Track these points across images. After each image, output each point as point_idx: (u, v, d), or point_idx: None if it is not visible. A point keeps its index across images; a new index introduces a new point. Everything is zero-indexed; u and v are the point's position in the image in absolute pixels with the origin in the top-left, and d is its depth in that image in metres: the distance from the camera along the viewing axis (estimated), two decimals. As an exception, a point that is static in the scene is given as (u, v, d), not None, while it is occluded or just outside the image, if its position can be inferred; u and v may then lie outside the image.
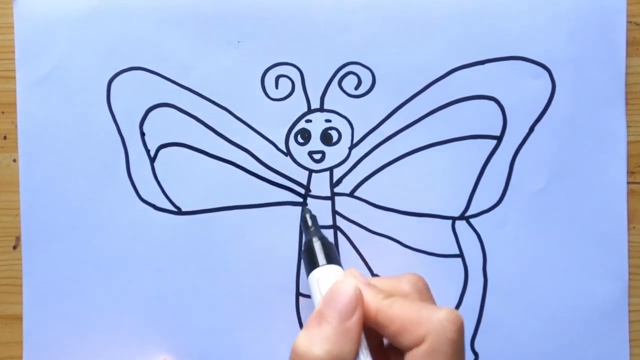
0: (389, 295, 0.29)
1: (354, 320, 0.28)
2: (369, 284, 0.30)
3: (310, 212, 0.37)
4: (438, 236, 0.39)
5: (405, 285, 0.30)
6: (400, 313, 0.28)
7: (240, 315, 0.39)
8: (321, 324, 0.28)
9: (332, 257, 0.33)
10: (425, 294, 0.30)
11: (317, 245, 0.33)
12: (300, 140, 0.39)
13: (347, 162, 0.39)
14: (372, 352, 0.29)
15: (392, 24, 0.39)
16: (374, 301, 0.29)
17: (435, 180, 0.39)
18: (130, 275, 0.39)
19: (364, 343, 0.29)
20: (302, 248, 0.34)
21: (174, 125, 0.39)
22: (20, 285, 0.39)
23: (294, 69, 0.39)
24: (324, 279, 0.31)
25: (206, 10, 0.39)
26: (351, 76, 0.39)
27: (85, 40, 0.39)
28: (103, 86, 0.39)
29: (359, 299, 0.29)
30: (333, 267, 0.32)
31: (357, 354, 0.28)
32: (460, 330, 0.27)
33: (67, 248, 0.39)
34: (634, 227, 0.39)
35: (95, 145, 0.39)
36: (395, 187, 0.39)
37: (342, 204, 0.39)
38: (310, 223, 0.36)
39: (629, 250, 0.39)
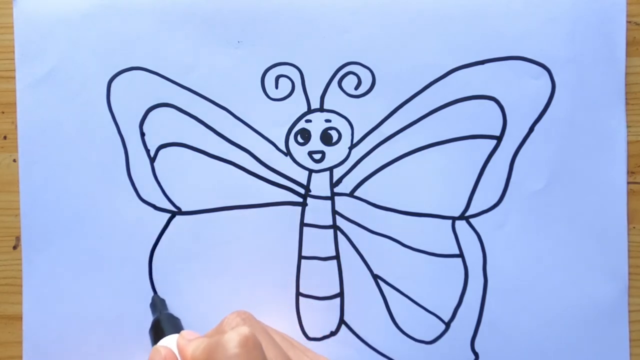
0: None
1: None
2: (197, 338, 0.31)
3: (158, 296, 0.39)
4: (438, 236, 0.39)
5: (225, 326, 0.32)
6: (204, 351, 0.29)
7: (240, 315, 0.39)
8: None
9: (176, 327, 0.36)
10: (243, 325, 0.32)
11: (162, 319, 0.36)
12: (300, 140, 0.39)
13: (347, 162, 0.39)
14: None
15: (392, 24, 0.39)
16: (192, 350, 0.30)
17: (435, 180, 0.39)
18: (130, 275, 0.39)
19: None
20: (150, 326, 0.37)
21: (174, 125, 0.39)
22: (20, 285, 0.39)
23: (294, 69, 0.39)
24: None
25: (206, 10, 0.39)
26: (351, 76, 0.39)
27: (85, 40, 0.39)
28: (103, 86, 0.39)
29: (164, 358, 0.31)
30: (172, 337, 0.34)
31: None
32: (243, 343, 0.28)
33: (67, 248, 0.39)
34: (634, 227, 0.39)
35: (95, 145, 0.39)
36: (395, 187, 0.39)
37: (342, 204, 0.39)
38: (158, 304, 0.38)
39: (629, 250, 0.39)
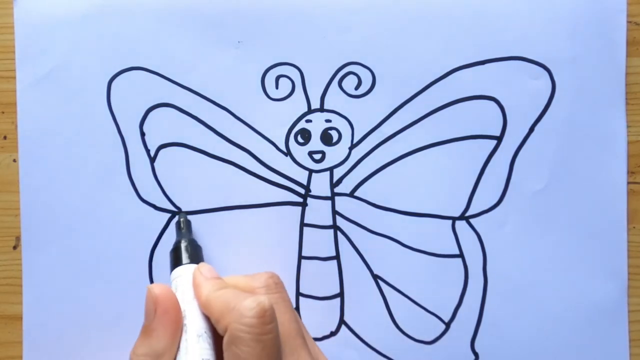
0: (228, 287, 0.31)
1: (158, 319, 0.30)
2: (214, 279, 0.32)
3: (185, 217, 0.38)
4: (438, 236, 0.39)
5: (256, 282, 0.32)
6: (219, 302, 0.30)
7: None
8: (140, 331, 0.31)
9: (196, 257, 0.35)
10: (273, 289, 0.32)
11: (183, 246, 0.36)
12: (300, 140, 0.39)
13: (347, 162, 0.39)
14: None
15: (392, 24, 0.39)
16: (207, 292, 0.31)
17: (435, 180, 0.39)
18: (130, 275, 0.39)
19: (193, 333, 0.30)
20: (171, 249, 0.36)
21: (174, 125, 0.39)
22: (20, 285, 0.39)
23: (294, 69, 0.39)
24: (180, 278, 0.34)
25: (206, 10, 0.39)
26: (351, 76, 0.39)
27: (85, 40, 0.39)
28: (103, 86, 0.39)
29: (157, 299, 0.31)
30: (190, 266, 0.34)
31: (177, 346, 0.30)
32: (260, 314, 0.28)
33: (67, 248, 0.39)
34: (634, 227, 0.39)
35: (95, 145, 0.39)
36: (395, 187, 0.39)
37: (342, 204, 0.39)
38: (182, 226, 0.37)
39: (628, 250, 0.39)
